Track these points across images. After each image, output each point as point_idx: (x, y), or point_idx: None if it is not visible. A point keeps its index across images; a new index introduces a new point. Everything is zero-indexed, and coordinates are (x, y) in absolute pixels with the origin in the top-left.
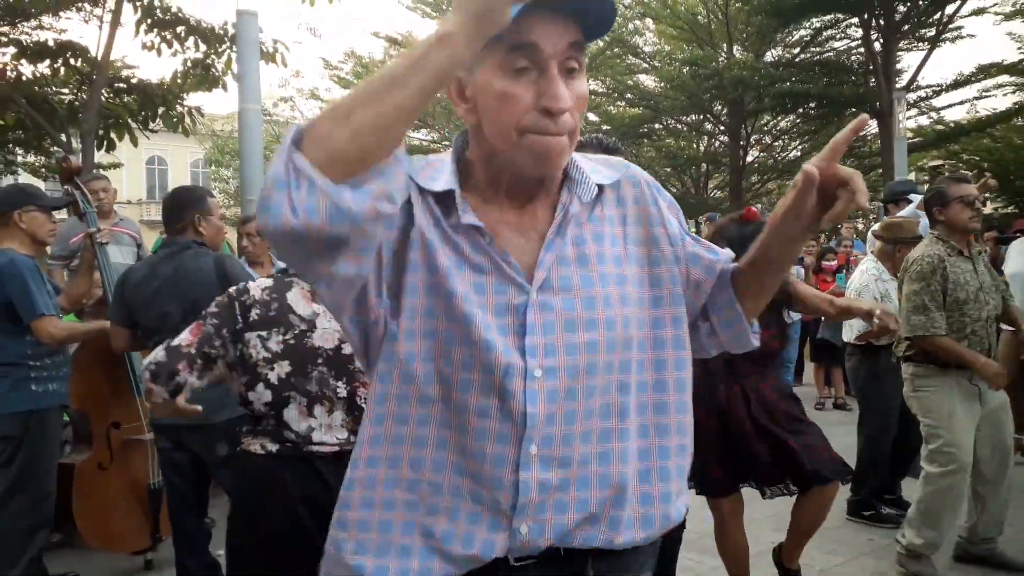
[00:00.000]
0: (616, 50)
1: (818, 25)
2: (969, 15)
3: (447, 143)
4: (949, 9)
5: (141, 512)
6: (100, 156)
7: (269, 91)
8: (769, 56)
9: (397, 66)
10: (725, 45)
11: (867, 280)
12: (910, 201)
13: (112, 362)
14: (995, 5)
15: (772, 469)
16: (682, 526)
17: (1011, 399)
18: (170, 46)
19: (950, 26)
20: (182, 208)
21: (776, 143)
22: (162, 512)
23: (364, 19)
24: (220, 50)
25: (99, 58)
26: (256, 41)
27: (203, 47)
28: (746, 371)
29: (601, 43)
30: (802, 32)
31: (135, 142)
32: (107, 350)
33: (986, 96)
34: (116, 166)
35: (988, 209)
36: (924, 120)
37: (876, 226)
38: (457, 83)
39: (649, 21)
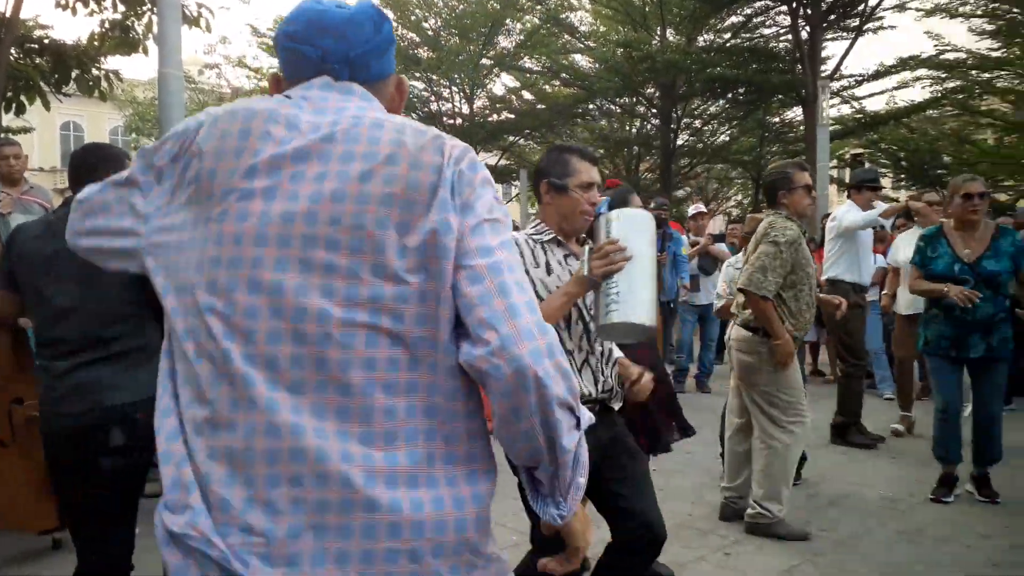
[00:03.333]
0: (551, 28)
1: (749, 12)
2: (891, 8)
3: None
4: (872, 1)
5: (47, 491)
6: (8, 120)
7: (193, 57)
8: (701, 41)
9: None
10: (659, 28)
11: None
12: (873, 188)
13: (13, 335)
14: (914, 0)
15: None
16: None
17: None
18: (86, 5)
19: (873, 18)
20: (93, 167)
21: (706, 127)
22: None
23: None
24: (140, 12)
25: (7, 16)
26: (178, 3)
27: (122, 8)
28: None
29: (537, 20)
30: (734, 18)
31: (47, 106)
32: (5, 322)
33: (904, 88)
34: (27, 131)
35: (903, 198)
36: (846, 109)
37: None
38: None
39: (585, 0)
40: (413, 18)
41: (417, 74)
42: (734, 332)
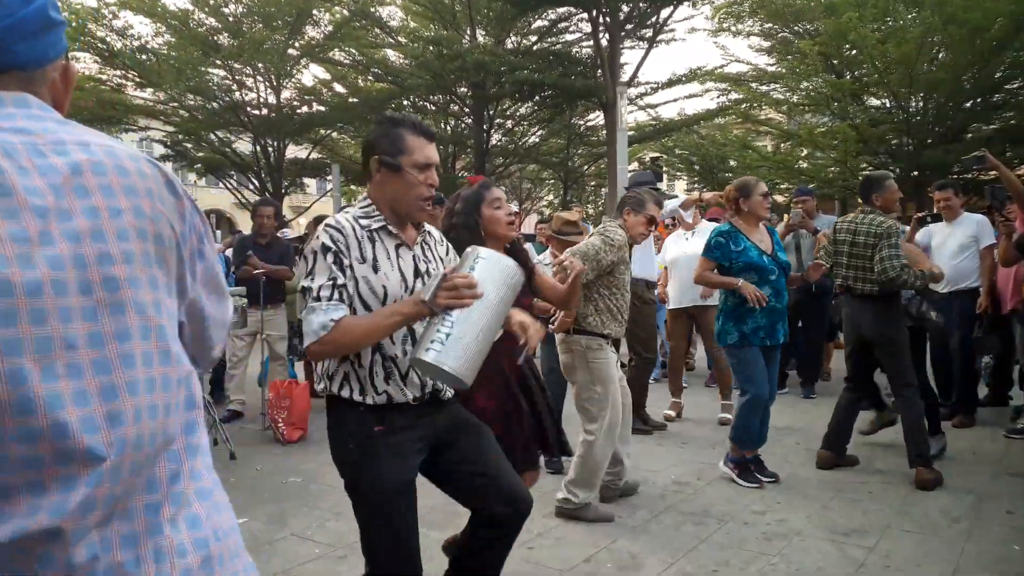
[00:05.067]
0: (362, 21)
1: (553, 17)
2: (681, 20)
3: (174, 103)
4: (664, 14)
5: None
6: None
7: None
8: (509, 43)
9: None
10: (468, 28)
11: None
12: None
13: None
14: (697, 15)
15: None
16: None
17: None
18: None
19: (664, 30)
20: None
21: (517, 128)
22: None
23: None
24: None
25: None
26: None
27: None
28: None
29: (347, 12)
30: (540, 22)
31: None
32: None
33: (695, 97)
34: None
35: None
36: (643, 116)
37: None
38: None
39: None
40: (212, 2)
41: (218, 62)
42: (556, 336)
